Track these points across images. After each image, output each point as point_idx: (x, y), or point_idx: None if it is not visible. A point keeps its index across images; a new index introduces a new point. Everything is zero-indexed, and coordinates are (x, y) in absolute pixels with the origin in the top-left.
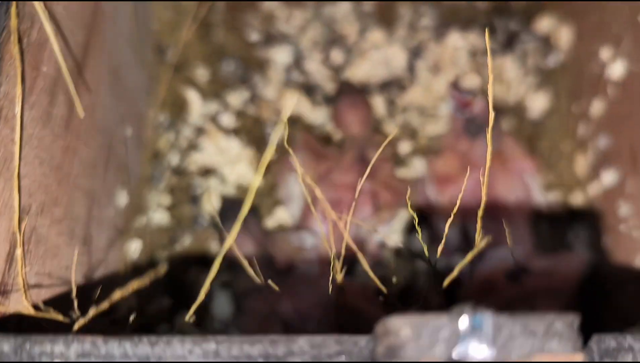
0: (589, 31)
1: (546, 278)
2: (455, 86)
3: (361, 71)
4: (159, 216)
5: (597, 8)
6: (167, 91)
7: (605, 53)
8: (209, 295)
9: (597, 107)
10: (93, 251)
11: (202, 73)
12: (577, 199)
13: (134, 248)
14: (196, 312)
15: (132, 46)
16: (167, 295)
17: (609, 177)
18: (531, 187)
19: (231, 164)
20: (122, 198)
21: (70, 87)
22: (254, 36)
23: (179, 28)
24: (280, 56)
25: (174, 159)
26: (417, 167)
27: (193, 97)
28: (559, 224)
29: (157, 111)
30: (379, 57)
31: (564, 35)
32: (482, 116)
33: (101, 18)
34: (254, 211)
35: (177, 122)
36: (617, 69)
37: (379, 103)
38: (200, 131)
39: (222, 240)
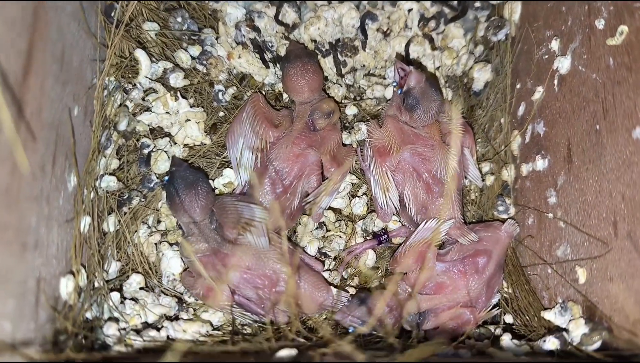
0: (545, 15)
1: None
2: (398, 57)
3: (313, 30)
4: (106, 182)
5: None
6: (115, 55)
7: (556, 44)
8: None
9: (540, 93)
10: (45, 249)
11: (150, 28)
12: (510, 174)
13: (84, 226)
14: (144, 274)
15: (77, 19)
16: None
17: (543, 163)
18: (468, 161)
19: (180, 125)
20: (71, 183)
21: (13, 143)
22: None
23: None
24: (232, 8)
25: (122, 123)
26: (362, 130)
27: (141, 57)
28: (490, 196)
29: (104, 78)
30: (331, 15)
31: (517, 11)
32: (418, 89)
33: (43, 10)
34: (205, 174)
35: (125, 86)
36: (565, 64)
37: (328, 64)
38: (148, 92)
39: (169, 200)
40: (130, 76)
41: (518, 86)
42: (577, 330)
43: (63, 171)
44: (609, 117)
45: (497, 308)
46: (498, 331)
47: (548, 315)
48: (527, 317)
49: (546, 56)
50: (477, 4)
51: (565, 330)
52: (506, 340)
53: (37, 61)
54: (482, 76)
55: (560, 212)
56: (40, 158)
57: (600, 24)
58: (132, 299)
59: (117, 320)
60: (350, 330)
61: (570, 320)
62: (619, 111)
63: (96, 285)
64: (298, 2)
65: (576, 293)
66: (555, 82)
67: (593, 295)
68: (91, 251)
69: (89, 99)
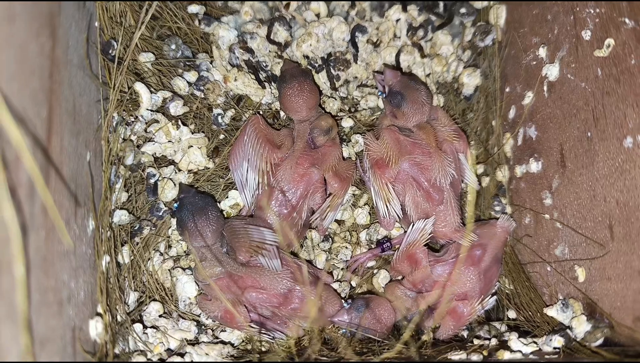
0: (530, 22)
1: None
2: (377, 71)
3: (305, 47)
4: (118, 216)
5: (538, 4)
6: (117, 92)
7: (543, 51)
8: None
9: (530, 98)
10: (76, 299)
11: (146, 58)
12: (504, 175)
13: (105, 265)
14: (162, 300)
15: (82, 67)
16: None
17: (537, 166)
18: (464, 166)
19: (183, 152)
20: (90, 227)
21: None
22: (194, 8)
23: (119, 16)
24: (224, 31)
25: (128, 157)
26: (360, 142)
27: (142, 90)
28: (486, 196)
29: (109, 118)
30: (321, 30)
31: (502, 15)
32: (397, 83)
33: (57, 71)
34: (213, 198)
35: (128, 119)
36: (554, 72)
37: (322, 78)
38: (150, 123)
39: (180, 227)
40: (131, 108)
41: (507, 90)
42: (580, 327)
43: (83, 219)
44: (599, 125)
45: (494, 296)
46: (503, 327)
47: (550, 312)
48: (530, 313)
49: (534, 62)
50: (463, 9)
51: (569, 327)
52: (514, 339)
53: (56, 122)
54: (471, 80)
55: (557, 214)
56: (65, 214)
57: (586, 35)
58: (153, 327)
59: (144, 353)
60: (344, 332)
61: (572, 317)
62: (609, 120)
63: (119, 319)
64: (289, 20)
65: (576, 291)
66: (545, 88)
67: (593, 293)
68: (111, 286)
69: (97, 141)
